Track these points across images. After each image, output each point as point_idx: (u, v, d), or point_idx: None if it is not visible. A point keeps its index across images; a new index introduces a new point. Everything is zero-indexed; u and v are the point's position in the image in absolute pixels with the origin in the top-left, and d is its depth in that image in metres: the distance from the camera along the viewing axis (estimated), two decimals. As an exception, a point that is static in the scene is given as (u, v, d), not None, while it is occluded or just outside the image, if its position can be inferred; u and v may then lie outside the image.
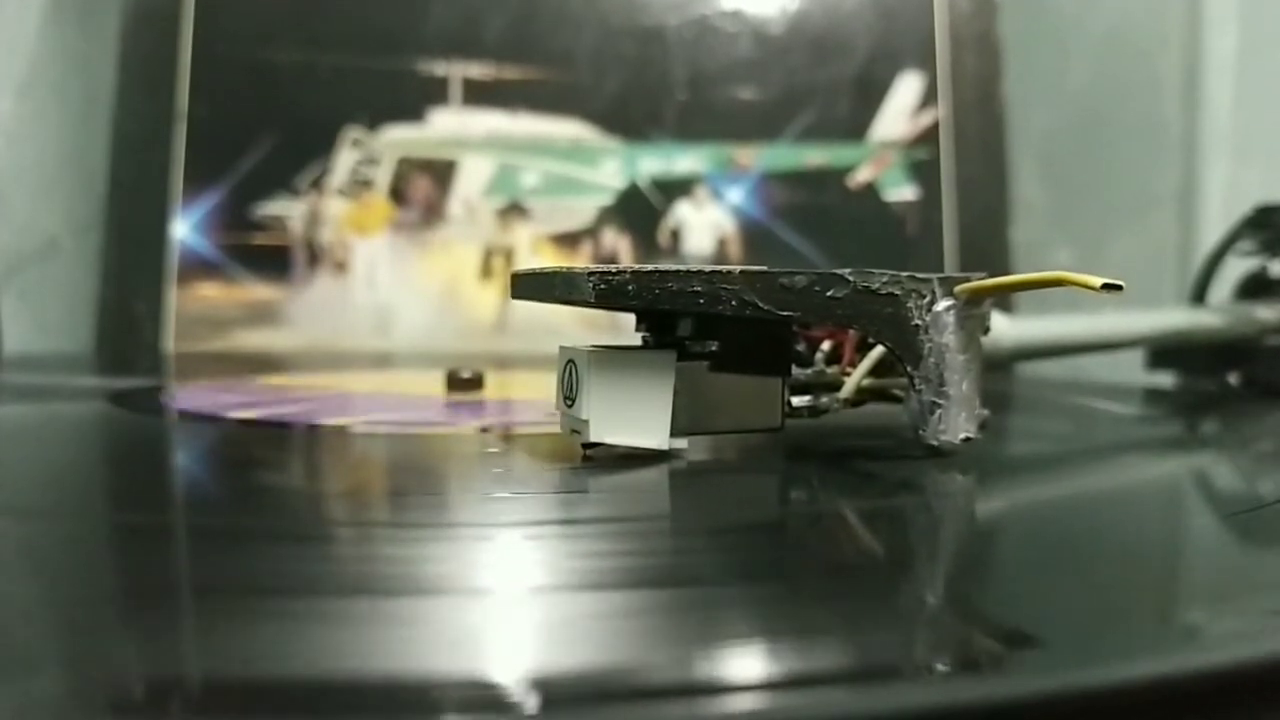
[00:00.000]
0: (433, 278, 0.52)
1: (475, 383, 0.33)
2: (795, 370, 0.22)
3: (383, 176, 0.52)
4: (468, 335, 0.51)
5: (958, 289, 0.21)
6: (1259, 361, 0.36)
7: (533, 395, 0.33)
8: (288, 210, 0.51)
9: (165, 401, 0.33)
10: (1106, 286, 0.18)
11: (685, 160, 0.53)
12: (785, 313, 0.20)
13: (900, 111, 0.54)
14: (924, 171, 0.54)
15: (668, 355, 0.21)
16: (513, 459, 0.23)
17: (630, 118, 0.53)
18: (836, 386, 0.23)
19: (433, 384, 0.35)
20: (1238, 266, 0.38)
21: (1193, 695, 0.11)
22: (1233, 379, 0.37)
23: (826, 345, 0.23)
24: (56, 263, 0.50)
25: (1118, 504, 0.20)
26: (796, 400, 0.22)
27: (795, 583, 0.14)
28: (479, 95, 0.53)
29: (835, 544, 0.17)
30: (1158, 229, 0.55)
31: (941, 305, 0.21)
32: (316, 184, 0.51)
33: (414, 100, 0.52)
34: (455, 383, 0.33)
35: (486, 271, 0.52)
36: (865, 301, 0.20)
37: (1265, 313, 0.35)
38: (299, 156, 0.51)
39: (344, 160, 0.52)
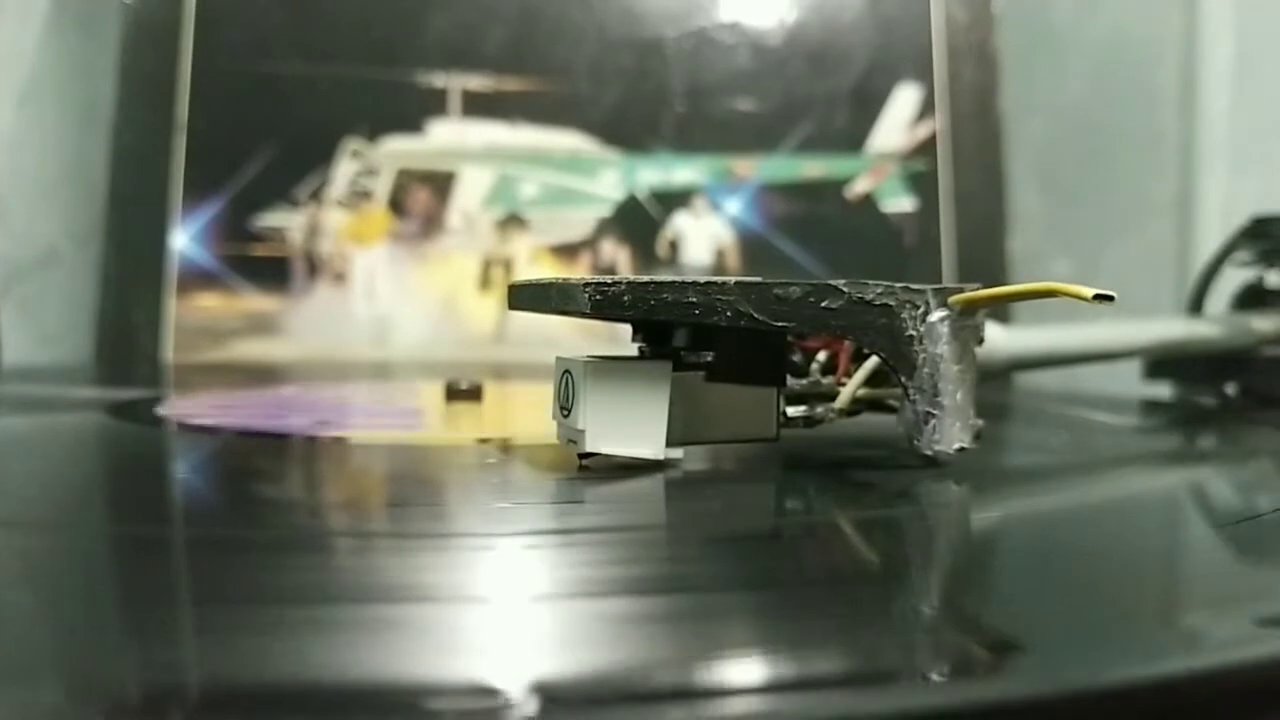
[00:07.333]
0: (432, 289, 0.52)
1: (474, 393, 0.33)
2: (790, 380, 0.22)
3: (382, 187, 0.52)
4: (466, 346, 0.51)
5: (951, 300, 0.21)
6: (1256, 372, 0.36)
7: (531, 406, 0.33)
8: (287, 221, 0.51)
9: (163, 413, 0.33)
10: (1098, 297, 0.18)
11: (684, 171, 0.53)
12: (780, 323, 0.20)
13: (898, 123, 0.54)
14: (922, 183, 0.54)
15: (663, 365, 0.21)
16: (511, 469, 0.23)
17: (629, 129, 0.53)
18: (831, 397, 0.23)
19: (432, 394, 0.35)
20: (1234, 277, 0.38)
21: (1181, 699, 0.11)
22: (1230, 389, 0.37)
23: (822, 355, 0.23)
24: (56, 272, 0.50)
25: (1112, 514, 0.20)
26: (792, 410, 0.22)
27: (790, 591, 0.14)
28: (478, 106, 0.53)
29: (830, 553, 0.17)
30: (1155, 239, 0.55)
31: (935, 316, 0.21)
32: (316, 195, 0.52)
33: (413, 111, 0.52)
34: (454, 393, 0.33)
35: (485, 282, 0.52)
36: (860, 312, 0.20)
37: (1262, 323, 0.35)
38: (298, 167, 0.51)
39: (343, 171, 0.52)
